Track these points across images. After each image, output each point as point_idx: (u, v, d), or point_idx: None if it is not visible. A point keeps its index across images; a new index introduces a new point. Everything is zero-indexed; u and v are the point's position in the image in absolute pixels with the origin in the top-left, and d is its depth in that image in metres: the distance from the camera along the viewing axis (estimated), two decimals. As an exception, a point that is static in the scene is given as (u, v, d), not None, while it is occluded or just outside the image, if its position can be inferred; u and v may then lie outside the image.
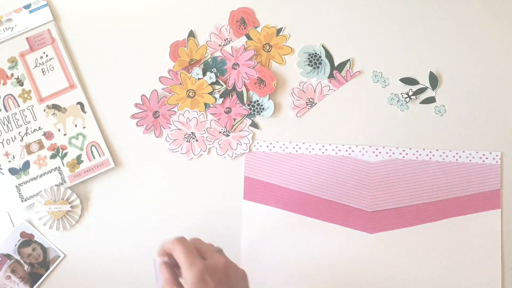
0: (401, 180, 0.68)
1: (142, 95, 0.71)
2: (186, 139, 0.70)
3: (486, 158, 0.68)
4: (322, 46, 0.71)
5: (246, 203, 0.69)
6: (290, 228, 0.69)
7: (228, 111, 0.70)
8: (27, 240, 0.70)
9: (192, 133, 0.70)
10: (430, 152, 0.69)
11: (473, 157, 0.68)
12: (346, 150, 0.69)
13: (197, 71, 0.70)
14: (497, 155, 0.68)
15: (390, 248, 0.68)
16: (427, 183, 0.68)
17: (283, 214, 0.68)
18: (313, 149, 0.69)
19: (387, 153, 0.69)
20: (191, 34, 0.71)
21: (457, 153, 0.69)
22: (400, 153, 0.69)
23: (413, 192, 0.68)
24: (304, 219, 0.68)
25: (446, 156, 0.69)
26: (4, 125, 0.70)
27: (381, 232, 0.68)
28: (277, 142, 0.70)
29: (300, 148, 0.70)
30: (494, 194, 0.68)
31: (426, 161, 0.69)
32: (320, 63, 0.70)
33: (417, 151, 0.69)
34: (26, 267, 0.69)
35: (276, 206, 0.69)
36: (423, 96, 0.70)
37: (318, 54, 0.71)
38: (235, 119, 0.70)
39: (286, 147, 0.70)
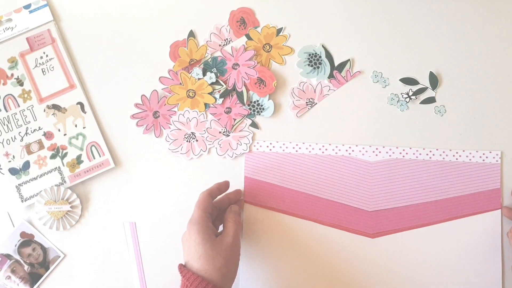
0: (401, 179, 0.68)
1: (142, 95, 0.71)
2: (186, 139, 0.70)
3: (486, 157, 0.68)
4: (322, 46, 0.71)
5: (246, 204, 0.69)
6: (290, 227, 0.69)
7: (228, 111, 0.70)
8: (27, 240, 0.70)
9: (192, 133, 0.70)
10: (430, 151, 0.69)
11: (473, 156, 0.68)
12: (346, 150, 0.69)
13: (197, 71, 0.70)
14: (497, 154, 0.68)
15: (390, 247, 0.68)
16: (427, 183, 0.68)
17: (283, 214, 0.68)
18: (313, 149, 0.69)
19: (387, 152, 0.69)
20: (191, 34, 0.71)
21: (457, 153, 0.68)
22: (400, 153, 0.69)
23: (413, 191, 0.68)
24: (304, 219, 0.68)
25: (446, 155, 0.69)
26: (4, 125, 0.70)
27: (381, 232, 0.68)
28: (277, 142, 0.70)
29: (300, 148, 0.70)
30: (494, 194, 0.68)
31: (426, 160, 0.69)
32: (320, 63, 0.70)
33: (417, 151, 0.69)
34: (26, 267, 0.69)
35: (276, 206, 0.69)
36: (423, 96, 0.70)
37: (318, 54, 0.71)
38: (235, 119, 0.70)
39: (286, 147, 0.70)
